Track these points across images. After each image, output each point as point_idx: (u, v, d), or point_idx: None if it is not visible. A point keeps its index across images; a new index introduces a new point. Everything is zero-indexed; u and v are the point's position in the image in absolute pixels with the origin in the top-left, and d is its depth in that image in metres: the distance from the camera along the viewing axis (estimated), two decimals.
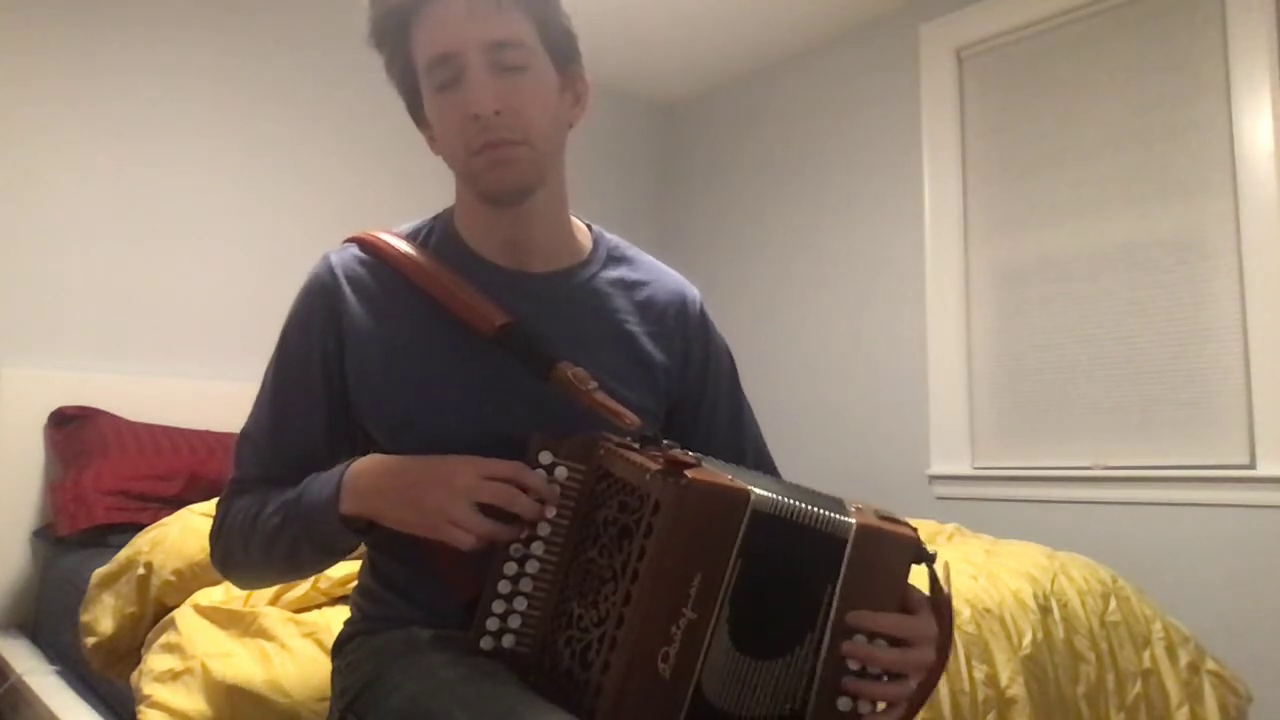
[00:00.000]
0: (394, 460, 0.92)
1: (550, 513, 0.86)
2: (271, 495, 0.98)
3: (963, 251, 3.04)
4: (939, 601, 0.87)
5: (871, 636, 0.83)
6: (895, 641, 0.84)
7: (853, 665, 0.82)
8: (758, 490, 0.79)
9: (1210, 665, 1.92)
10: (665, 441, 0.86)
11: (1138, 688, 1.76)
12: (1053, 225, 2.84)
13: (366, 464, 0.93)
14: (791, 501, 0.80)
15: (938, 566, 0.88)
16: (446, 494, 0.85)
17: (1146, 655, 1.82)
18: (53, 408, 2.45)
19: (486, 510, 0.85)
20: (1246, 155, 2.45)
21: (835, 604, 0.81)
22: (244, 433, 1.04)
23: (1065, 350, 2.78)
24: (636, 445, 0.85)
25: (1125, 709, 1.73)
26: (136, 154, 2.71)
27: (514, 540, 0.85)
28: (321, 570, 1.03)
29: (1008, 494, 2.85)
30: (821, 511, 0.81)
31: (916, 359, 3.12)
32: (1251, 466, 2.40)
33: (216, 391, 2.68)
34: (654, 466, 0.79)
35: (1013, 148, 2.95)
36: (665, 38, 3.47)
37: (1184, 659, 1.87)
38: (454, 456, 0.89)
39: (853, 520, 0.82)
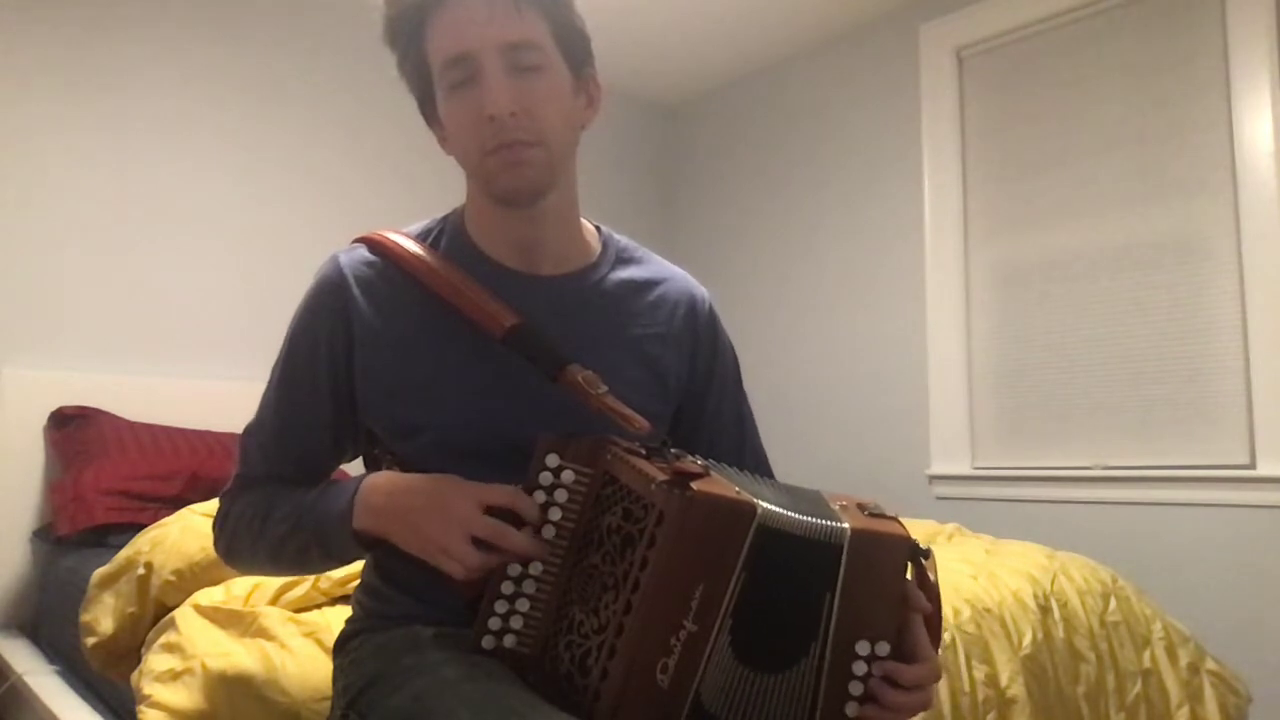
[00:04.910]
0: (401, 482, 0.93)
1: (549, 532, 0.86)
2: (278, 497, 0.99)
3: (963, 251, 3.04)
4: (930, 593, 0.88)
5: (874, 641, 0.83)
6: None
7: (858, 671, 0.82)
8: (765, 504, 0.78)
9: (1210, 665, 1.92)
10: (673, 450, 0.85)
11: (1138, 688, 1.76)
12: (1053, 225, 2.84)
13: (378, 482, 0.94)
14: (799, 516, 0.80)
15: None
16: (443, 525, 0.86)
17: (1146, 655, 1.82)
18: (53, 408, 2.45)
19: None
20: (1246, 155, 2.45)
21: (835, 612, 0.81)
22: (249, 429, 1.05)
23: (1065, 350, 2.78)
24: (644, 451, 0.85)
25: (1125, 709, 1.73)
26: (137, 154, 2.71)
27: (505, 569, 0.85)
28: (328, 570, 1.04)
29: (1008, 494, 2.85)
30: (821, 521, 0.81)
31: (916, 359, 3.12)
32: (1251, 466, 2.40)
33: (216, 391, 2.68)
34: (660, 476, 0.78)
35: (1013, 148, 2.95)
36: (665, 39, 3.47)
37: (1184, 659, 1.87)
38: (454, 485, 0.89)
39: (845, 525, 0.82)
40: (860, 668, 0.82)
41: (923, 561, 0.88)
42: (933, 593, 0.88)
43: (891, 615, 0.84)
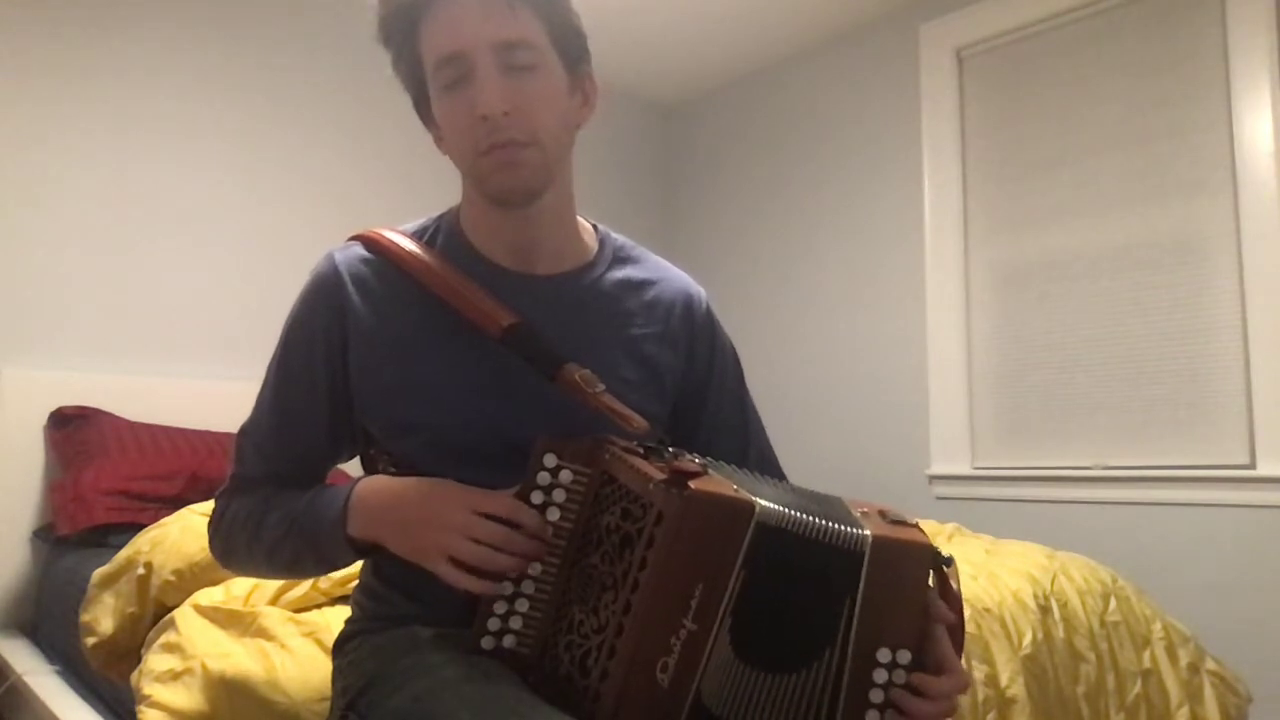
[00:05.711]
0: (396, 487, 0.92)
1: (548, 532, 0.85)
2: (274, 500, 0.99)
3: (963, 251, 3.04)
4: (952, 603, 0.87)
5: (895, 649, 0.82)
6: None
7: (879, 679, 0.82)
8: (763, 502, 0.78)
9: (1210, 665, 1.92)
10: (671, 449, 0.85)
11: (1138, 688, 1.76)
12: (1053, 225, 2.84)
13: (371, 486, 0.93)
14: (799, 514, 0.79)
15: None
16: (439, 532, 0.85)
17: (1146, 655, 1.82)
18: (53, 408, 2.45)
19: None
20: (1246, 155, 2.45)
21: (856, 618, 0.81)
22: (245, 429, 1.05)
23: (1065, 350, 2.78)
24: (642, 451, 0.84)
25: (1125, 709, 1.73)
26: (136, 154, 2.71)
27: (505, 578, 0.85)
28: (323, 574, 1.04)
29: (1008, 494, 2.85)
30: (833, 524, 0.80)
31: (916, 359, 3.12)
32: (1251, 466, 2.40)
33: (216, 391, 2.68)
34: (658, 475, 0.78)
35: (1013, 148, 2.95)
36: (665, 38, 3.47)
37: (1184, 659, 1.87)
38: (448, 490, 0.89)
39: (867, 532, 0.81)
40: (881, 675, 0.82)
41: (945, 570, 0.87)
42: (955, 602, 0.87)
43: (914, 623, 0.84)
